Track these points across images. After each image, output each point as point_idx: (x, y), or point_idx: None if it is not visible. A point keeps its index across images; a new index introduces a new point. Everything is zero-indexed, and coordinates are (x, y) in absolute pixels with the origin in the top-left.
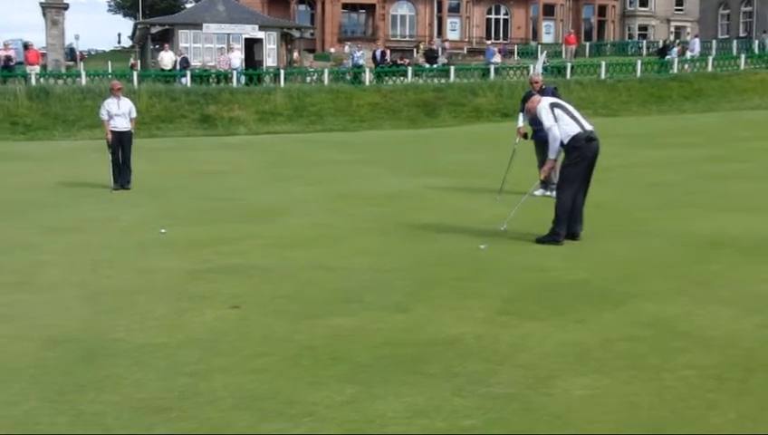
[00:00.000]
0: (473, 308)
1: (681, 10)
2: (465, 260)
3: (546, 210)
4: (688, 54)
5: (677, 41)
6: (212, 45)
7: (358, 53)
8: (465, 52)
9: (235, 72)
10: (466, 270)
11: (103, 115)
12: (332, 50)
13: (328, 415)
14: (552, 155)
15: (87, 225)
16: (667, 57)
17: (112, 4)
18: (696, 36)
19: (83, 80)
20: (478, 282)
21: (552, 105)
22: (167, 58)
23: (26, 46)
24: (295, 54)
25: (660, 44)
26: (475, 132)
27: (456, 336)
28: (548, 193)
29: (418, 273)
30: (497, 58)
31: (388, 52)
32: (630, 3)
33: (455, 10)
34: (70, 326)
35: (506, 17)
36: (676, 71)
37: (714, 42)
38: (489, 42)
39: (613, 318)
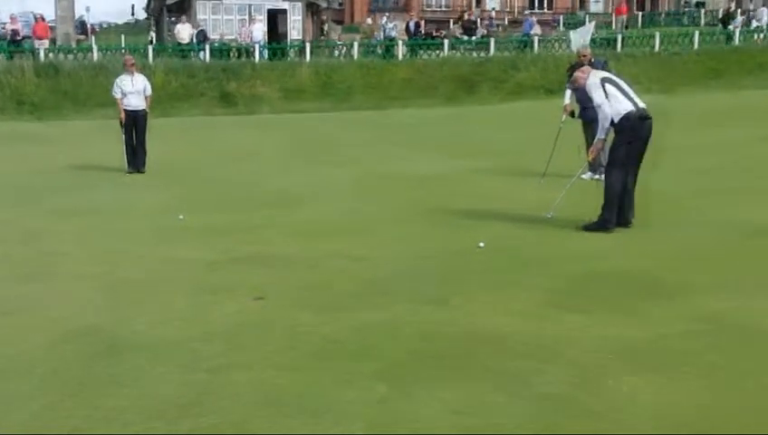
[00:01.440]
0: (515, 301)
1: None
2: (507, 249)
3: (594, 195)
4: (754, 24)
5: (739, 9)
6: (232, 17)
7: (390, 25)
8: (505, 23)
9: (257, 46)
10: (508, 260)
11: (116, 93)
12: (365, 21)
13: (356, 414)
14: (601, 134)
15: (102, 211)
16: (729, 28)
17: None
18: (765, 6)
19: (95, 55)
20: (521, 273)
21: (603, 80)
22: (183, 31)
23: (38, 19)
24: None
25: (720, 14)
26: (517, 110)
27: (496, 331)
28: (596, 176)
29: (455, 262)
30: (537, 29)
31: (422, 23)
32: None
33: None
34: (88, 319)
35: None
36: (737, 42)
37: None
38: (530, 12)
39: (667, 312)
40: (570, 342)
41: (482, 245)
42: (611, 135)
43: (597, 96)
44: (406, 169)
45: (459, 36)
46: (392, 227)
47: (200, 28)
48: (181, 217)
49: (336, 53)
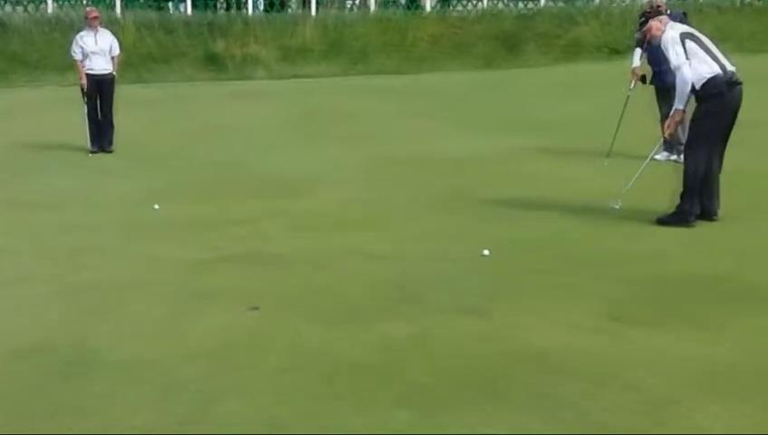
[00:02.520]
0: (568, 311)
1: None
2: (560, 247)
3: (671, 180)
4: None
5: None
6: None
7: None
8: None
9: None
10: (561, 261)
11: (76, 54)
12: None
13: None
14: (679, 104)
15: (60, 200)
16: None
17: None
18: None
19: (50, 6)
20: (577, 276)
21: (684, 35)
22: None
23: None
24: None
25: None
26: (573, 75)
27: (546, 348)
28: (673, 157)
29: (497, 264)
30: None
31: None
32: None
33: None
34: (43, 332)
35: None
36: None
37: None
38: None
39: (757, 325)
40: (633, 361)
41: (486, 253)
42: (692, 105)
43: (675, 55)
44: (435, 149)
45: None
46: (419, 220)
47: None
48: (157, 206)
49: (348, 3)
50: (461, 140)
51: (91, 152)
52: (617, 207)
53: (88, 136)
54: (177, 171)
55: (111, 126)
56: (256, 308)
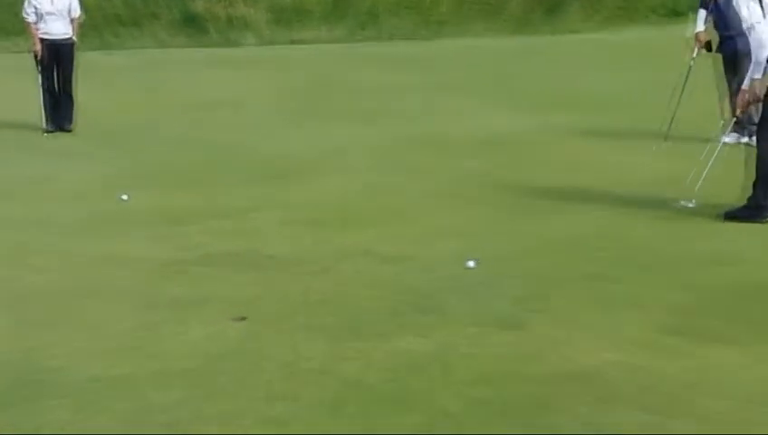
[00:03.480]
0: (624, 324)
1: None
2: (611, 248)
3: (742, 167)
4: None
5: None
6: None
7: None
8: None
9: None
10: (613, 263)
11: (29, 15)
12: None
13: None
14: (755, 73)
15: (7, 189)
16: None
17: None
18: None
19: None
20: (633, 282)
21: None
22: None
23: None
24: None
25: None
26: (623, 42)
27: (597, 369)
28: (744, 139)
29: (534, 267)
30: None
31: None
32: None
33: None
34: None
35: None
36: None
37: None
38: None
39: None
40: (704, 386)
41: (471, 264)
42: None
43: (749, 13)
44: (459, 128)
45: None
46: (440, 213)
47: None
48: (125, 196)
49: None
50: (490, 117)
51: (47, 132)
52: (690, 205)
53: (43, 112)
54: (150, 154)
55: (71, 100)
56: (243, 319)
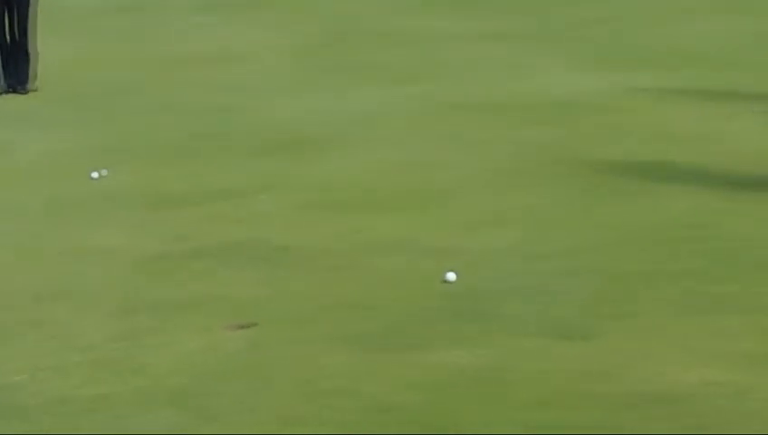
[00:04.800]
0: (723, 334)
1: None
2: (707, 238)
3: None
4: None
5: None
6: None
7: None
8: None
9: None
10: (709, 258)
11: None
12: None
13: None
14: None
15: None
16: None
17: None
18: None
19: None
20: (733, 282)
21: None
22: None
23: None
24: None
25: None
26: None
27: (687, 389)
28: None
29: (610, 262)
30: None
31: None
32: None
33: None
34: None
35: None
36: None
37: None
38: None
39: None
40: None
41: (451, 276)
42: None
43: None
44: (518, 89)
45: None
46: (493, 196)
47: None
48: (96, 174)
49: None
50: (557, 76)
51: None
52: None
53: None
54: (129, 121)
55: (27, 55)
56: (248, 326)
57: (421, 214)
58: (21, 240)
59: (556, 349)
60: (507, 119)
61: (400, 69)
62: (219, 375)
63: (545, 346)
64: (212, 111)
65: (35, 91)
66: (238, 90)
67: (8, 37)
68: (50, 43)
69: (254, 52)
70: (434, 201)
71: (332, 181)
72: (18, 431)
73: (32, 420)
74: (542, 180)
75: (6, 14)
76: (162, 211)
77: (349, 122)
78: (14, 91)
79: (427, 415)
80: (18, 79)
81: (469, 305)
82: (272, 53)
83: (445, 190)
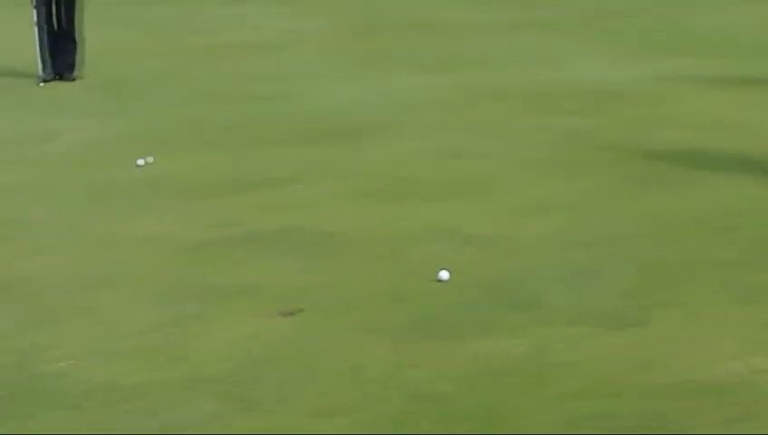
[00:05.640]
0: (766, 323)
1: None
2: (752, 226)
3: None
4: None
5: None
6: None
7: None
8: None
9: None
10: (754, 247)
11: None
12: None
13: None
14: None
15: None
16: None
17: None
18: None
19: None
20: None
21: None
22: None
23: None
24: None
25: None
26: None
27: (735, 378)
28: None
29: (654, 251)
30: None
31: None
32: None
33: None
34: None
35: None
36: None
37: None
38: None
39: None
40: None
41: (444, 275)
42: None
43: None
44: (558, 78)
45: None
46: (536, 183)
47: None
48: (142, 161)
49: None
50: (597, 63)
51: (43, 81)
52: None
53: (39, 57)
54: (173, 109)
55: (73, 42)
56: (291, 314)
57: (464, 202)
58: (66, 228)
59: (598, 338)
60: (548, 107)
61: (439, 57)
62: (262, 363)
63: (587, 335)
64: (254, 100)
65: (81, 78)
66: (279, 78)
67: (55, 24)
68: (91, 33)
69: (292, 41)
70: (476, 189)
71: (375, 169)
72: (63, 418)
73: (77, 407)
74: (583, 168)
75: (53, 2)
76: (206, 199)
77: (389, 110)
78: (61, 79)
79: (468, 404)
80: (64, 66)
81: (511, 294)
82: (309, 41)
83: (487, 178)
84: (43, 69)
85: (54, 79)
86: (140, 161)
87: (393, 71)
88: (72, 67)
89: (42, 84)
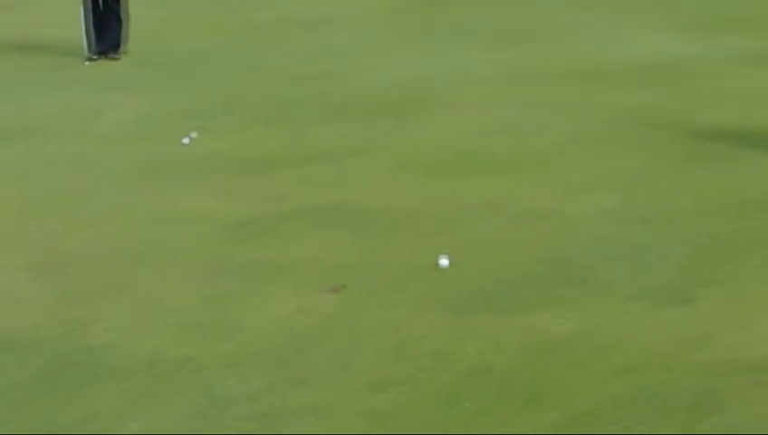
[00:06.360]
0: None
1: None
2: None
3: None
4: None
5: None
6: None
7: None
8: None
9: None
10: None
11: None
12: None
13: None
14: None
15: (39, 127)
16: None
17: None
18: None
19: None
20: None
21: None
22: None
23: None
24: None
25: None
26: None
27: None
28: None
29: (708, 228)
30: None
31: None
32: None
33: None
34: (16, 322)
35: None
36: None
37: None
38: None
39: None
40: None
41: (444, 262)
42: None
43: None
44: (613, 54)
45: None
46: (590, 159)
47: None
48: (187, 139)
49: None
50: (652, 40)
51: (89, 59)
52: None
53: (84, 35)
54: (221, 85)
55: (119, 20)
56: (340, 289)
57: (517, 177)
58: (112, 203)
59: (651, 314)
60: (600, 83)
61: (494, 33)
62: (310, 338)
63: (639, 311)
64: (303, 75)
65: (126, 54)
66: (330, 53)
67: (100, 3)
68: (136, 11)
69: (346, 15)
70: (530, 164)
71: (425, 144)
72: (111, 391)
73: (124, 381)
74: (639, 145)
75: None
76: (253, 174)
77: (444, 85)
78: (106, 57)
79: (520, 379)
80: (110, 44)
81: (563, 269)
82: (363, 16)
83: (541, 154)
84: (89, 47)
85: (101, 57)
86: (186, 140)
87: (448, 46)
88: (117, 45)
89: (87, 63)
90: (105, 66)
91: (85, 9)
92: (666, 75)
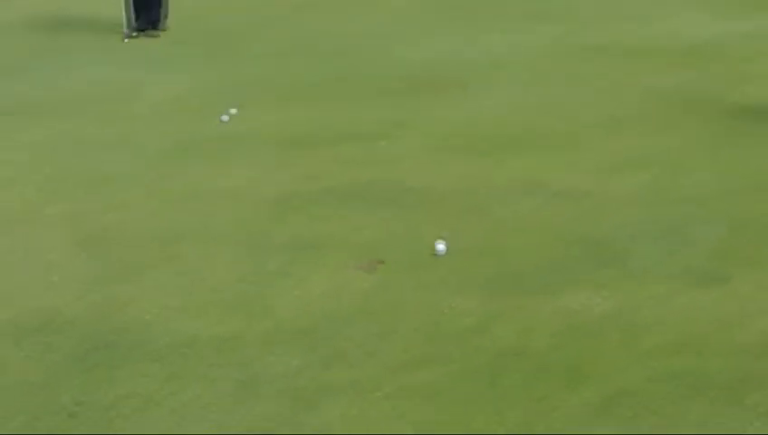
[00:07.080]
0: None
1: None
2: None
3: None
4: None
5: None
6: None
7: None
8: None
9: None
10: None
11: None
12: None
13: None
14: None
15: (79, 105)
16: None
17: None
18: None
19: None
20: None
21: None
22: None
23: None
24: None
25: None
26: None
27: None
28: None
29: (743, 209)
30: None
31: None
32: None
33: None
34: (53, 300)
35: None
36: None
37: None
38: None
39: None
40: None
41: (441, 248)
42: None
43: None
44: (647, 35)
45: None
46: (624, 139)
47: None
48: (227, 117)
49: None
50: (687, 20)
51: (128, 37)
52: None
53: (124, 12)
54: (259, 64)
55: None
56: (377, 264)
57: (552, 157)
58: (150, 181)
59: (685, 295)
60: (635, 64)
61: (530, 13)
62: (346, 317)
63: (674, 292)
64: (341, 54)
65: (166, 30)
66: (368, 33)
67: None
68: None
69: None
70: (565, 144)
71: (461, 123)
72: (149, 369)
73: (160, 360)
74: (673, 125)
75: None
76: (291, 152)
77: (479, 65)
78: (145, 34)
79: (555, 359)
80: (149, 22)
81: (598, 249)
82: None
83: (576, 133)
84: (128, 25)
85: (141, 33)
86: (225, 117)
87: (485, 26)
88: (156, 23)
89: (127, 40)
90: (145, 44)
91: None
92: (701, 56)
